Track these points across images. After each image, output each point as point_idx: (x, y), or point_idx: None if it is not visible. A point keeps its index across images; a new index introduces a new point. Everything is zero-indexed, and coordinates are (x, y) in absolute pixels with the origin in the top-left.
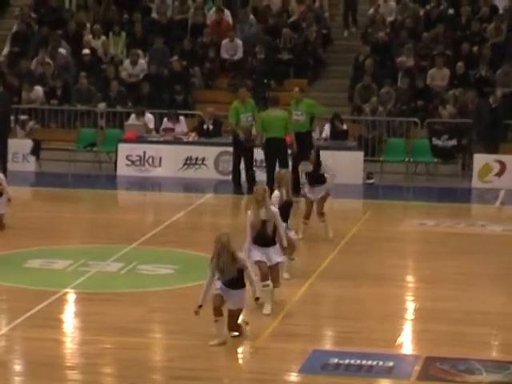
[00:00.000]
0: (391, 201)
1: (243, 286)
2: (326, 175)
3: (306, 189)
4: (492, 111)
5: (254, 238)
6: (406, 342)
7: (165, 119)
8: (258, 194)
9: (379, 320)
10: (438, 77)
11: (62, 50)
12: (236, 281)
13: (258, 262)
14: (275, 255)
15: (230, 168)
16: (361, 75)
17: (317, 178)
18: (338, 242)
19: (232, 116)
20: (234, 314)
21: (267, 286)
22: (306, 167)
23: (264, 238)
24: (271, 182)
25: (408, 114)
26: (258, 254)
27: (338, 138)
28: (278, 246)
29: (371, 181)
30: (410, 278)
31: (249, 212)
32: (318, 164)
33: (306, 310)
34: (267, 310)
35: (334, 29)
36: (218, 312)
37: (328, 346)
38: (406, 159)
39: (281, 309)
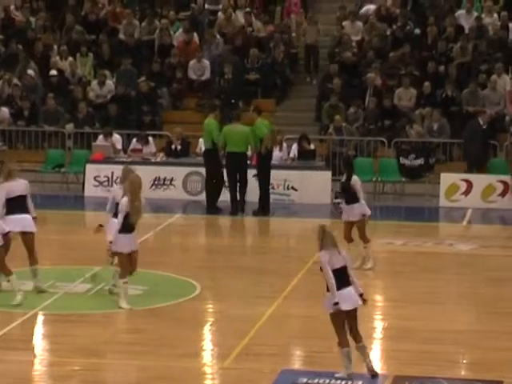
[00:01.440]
0: None
1: None
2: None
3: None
4: (482, 131)
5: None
6: (375, 361)
7: (133, 140)
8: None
9: (349, 339)
10: (404, 97)
11: (29, 71)
12: None
13: None
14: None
15: (199, 188)
16: (328, 95)
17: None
18: (306, 261)
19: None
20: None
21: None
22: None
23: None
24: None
25: (375, 133)
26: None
27: (306, 158)
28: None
29: (339, 200)
30: (378, 297)
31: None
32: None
33: (274, 329)
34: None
35: (300, 48)
36: None
37: (297, 365)
38: (374, 178)
39: (249, 329)
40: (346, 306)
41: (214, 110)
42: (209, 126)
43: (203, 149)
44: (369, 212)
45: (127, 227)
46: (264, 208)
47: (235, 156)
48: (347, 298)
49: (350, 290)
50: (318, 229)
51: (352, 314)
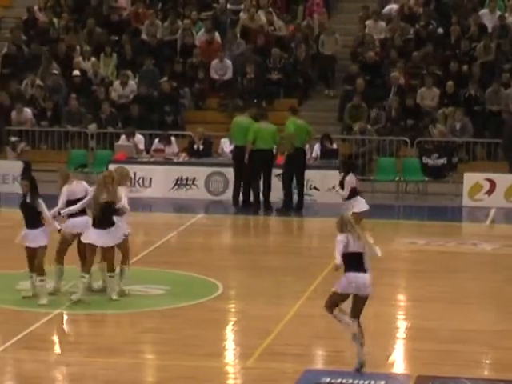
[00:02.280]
0: (382, 220)
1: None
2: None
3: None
4: None
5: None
6: (398, 361)
7: (156, 140)
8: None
9: (371, 339)
10: (427, 96)
11: (53, 71)
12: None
13: None
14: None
15: (221, 188)
16: (350, 95)
17: None
18: (328, 261)
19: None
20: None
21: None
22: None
23: None
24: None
25: (398, 133)
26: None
27: (328, 158)
28: None
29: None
30: (400, 297)
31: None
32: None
33: (297, 329)
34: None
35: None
36: None
37: (320, 365)
38: (397, 178)
39: (272, 328)
40: (351, 289)
41: (246, 108)
42: (243, 124)
43: (226, 148)
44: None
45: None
46: (298, 205)
47: (263, 153)
48: (353, 282)
49: (359, 275)
50: (338, 218)
51: (357, 301)
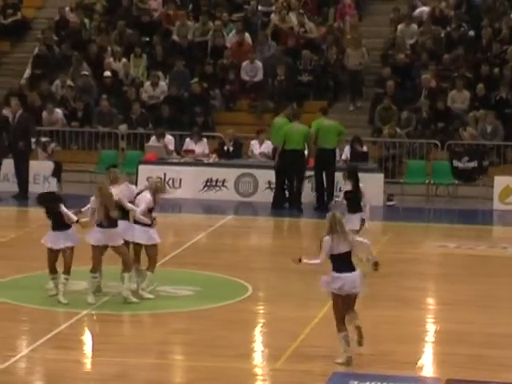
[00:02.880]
0: (412, 223)
1: None
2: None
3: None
4: None
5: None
6: (427, 365)
7: (187, 139)
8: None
9: (400, 342)
10: (458, 99)
11: (84, 72)
12: None
13: None
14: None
15: (251, 190)
16: (381, 97)
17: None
18: (358, 263)
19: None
20: None
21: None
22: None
23: None
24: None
25: (428, 135)
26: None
27: (358, 160)
28: None
29: (392, 203)
30: (430, 301)
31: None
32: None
33: (325, 331)
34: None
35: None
36: None
37: (348, 368)
38: (427, 181)
39: (301, 330)
40: (338, 291)
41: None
42: (279, 125)
43: (256, 150)
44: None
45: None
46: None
47: (293, 153)
48: (342, 282)
49: (348, 275)
50: (328, 215)
51: (347, 301)
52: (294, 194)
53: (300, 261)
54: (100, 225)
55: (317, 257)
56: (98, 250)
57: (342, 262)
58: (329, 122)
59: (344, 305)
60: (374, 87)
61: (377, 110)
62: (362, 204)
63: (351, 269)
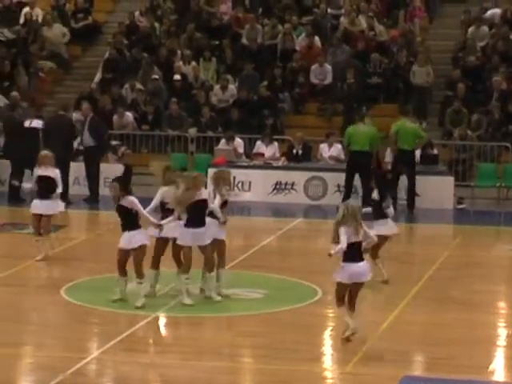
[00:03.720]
0: (482, 226)
1: None
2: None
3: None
4: None
5: None
6: (499, 369)
7: (258, 142)
8: None
9: (470, 346)
10: None
11: (154, 76)
12: None
13: None
14: None
15: (320, 193)
16: (451, 100)
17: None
18: (428, 267)
19: None
20: None
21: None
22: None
23: None
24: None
25: (499, 138)
26: None
27: (429, 163)
28: None
29: (462, 206)
30: (501, 304)
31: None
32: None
33: (396, 335)
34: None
35: (423, 54)
36: None
37: (418, 371)
38: (498, 184)
39: (371, 334)
40: (348, 280)
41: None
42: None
43: (325, 154)
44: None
45: None
46: (409, 206)
47: (358, 154)
48: (352, 272)
49: (358, 265)
50: (343, 207)
51: (354, 289)
52: (364, 195)
53: (330, 255)
54: (188, 225)
55: (337, 244)
56: (188, 251)
57: (353, 252)
58: (410, 124)
59: (350, 293)
60: (444, 90)
61: (447, 113)
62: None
63: (361, 259)
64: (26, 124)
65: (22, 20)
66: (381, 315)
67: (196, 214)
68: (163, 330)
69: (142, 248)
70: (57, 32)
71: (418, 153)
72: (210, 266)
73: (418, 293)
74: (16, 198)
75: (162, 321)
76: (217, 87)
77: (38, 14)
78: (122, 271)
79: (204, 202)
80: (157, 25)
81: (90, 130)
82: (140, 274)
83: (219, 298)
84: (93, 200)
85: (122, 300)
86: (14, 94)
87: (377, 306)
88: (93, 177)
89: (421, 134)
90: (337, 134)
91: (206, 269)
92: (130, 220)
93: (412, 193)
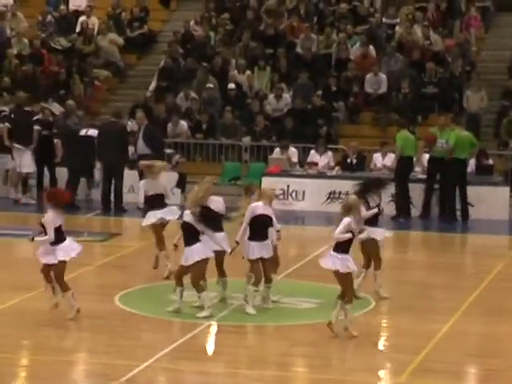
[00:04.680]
0: None
1: None
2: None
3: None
4: None
5: None
6: None
7: (312, 151)
8: None
9: None
10: None
11: (209, 85)
12: None
13: None
14: None
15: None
16: (507, 110)
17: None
18: (483, 278)
19: None
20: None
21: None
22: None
23: None
24: None
25: None
26: None
27: (484, 173)
28: None
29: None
30: None
31: None
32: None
33: (450, 346)
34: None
35: (479, 63)
36: None
37: (472, 383)
38: None
39: (424, 345)
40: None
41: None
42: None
43: (379, 163)
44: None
45: None
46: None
47: (408, 160)
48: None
49: (350, 257)
50: (349, 200)
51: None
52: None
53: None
54: (253, 238)
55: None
56: (257, 263)
57: (350, 245)
58: (464, 133)
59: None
60: (500, 100)
61: (503, 123)
62: None
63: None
64: (82, 132)
65: (78, 29)
66: (435, 325)
67: (260, 228)
68: (216, 339)
69: (195, 264)
70: (111, 41)
71: (472, 163)
72: (267, 278)
73: (474, 303)
74: (71, 205)
75: (215, 329)
76: (271, 96)
77: (95, 22)
78: (179, 281)
79: (267, 217)
80: (212, 34)
81: (145, 139)
82: (197, 289)
83: (252, 312)
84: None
85: (177, 311)
86: (70, 102)
87: (431, 316)
88: None
89: (475, 142)
90: (391, 144)
91: (265, 281)
92: (187, 235)
93: (465, 203)
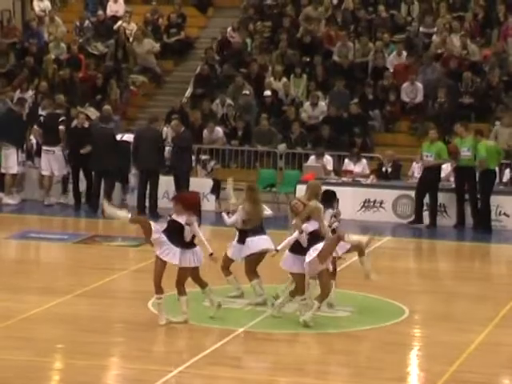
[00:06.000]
0: None
1: None
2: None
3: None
4: None
5: None
6: None
7: (346, 160)
8: None
9: None
10: None
11: (245, 92)
12: None
13: None
14: None
15: (408, 211)
16: None
17: None
18: None
19: None
20: None
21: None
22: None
23: None
24: None
25: None
26: None
27: None
28: None
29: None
30: None
31: None
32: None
33: (483, 357)
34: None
35: None
36: None
37: None
38: None
39: (458, 355)
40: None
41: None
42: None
43: (417, 174)
44: None
45: None
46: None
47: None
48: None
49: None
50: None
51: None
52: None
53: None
54: (294, 251)
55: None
56: (300, 276)
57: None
58: (491, 142)
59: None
60: None
61: None
62: None
63: None
64: (118, 137)
65: (115, 34)
66: (469, 336)
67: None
68: (250, 346)
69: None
70: (147, 46)
71: (508, 172)
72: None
73: (508, 315)
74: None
75: (249, 336)
76: (307, 104)
77: (133, 28)
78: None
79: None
80: (248, 40)
81: (181, 144)
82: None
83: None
84: None
85: (213, 317)
86: (107, 107)
87: (465, 326)
88: (181, 191)
89: (501, 151)
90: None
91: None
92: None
93: (488, 212)
